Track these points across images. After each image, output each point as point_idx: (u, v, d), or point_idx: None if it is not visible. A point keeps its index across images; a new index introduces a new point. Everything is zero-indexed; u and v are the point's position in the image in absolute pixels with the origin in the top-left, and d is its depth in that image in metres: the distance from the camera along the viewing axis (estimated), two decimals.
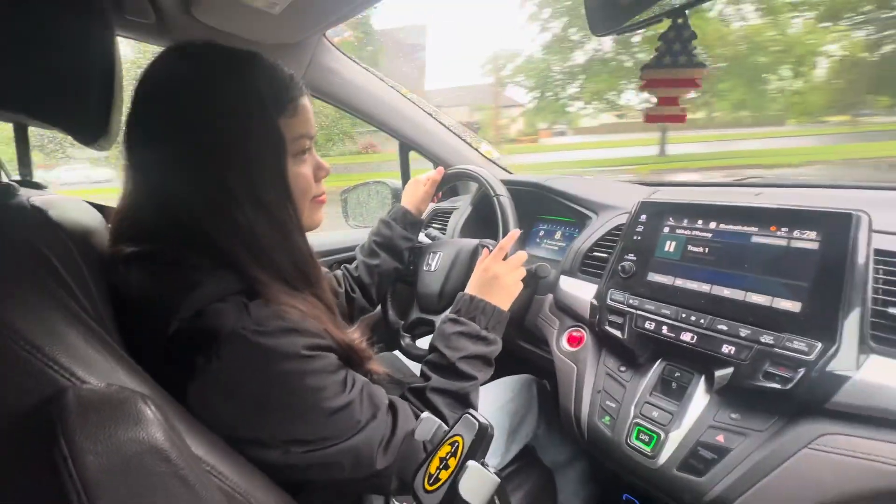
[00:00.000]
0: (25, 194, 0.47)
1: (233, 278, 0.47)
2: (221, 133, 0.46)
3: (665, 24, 0.61)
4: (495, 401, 0.91)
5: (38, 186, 0.63)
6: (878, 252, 0.58)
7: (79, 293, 0.41)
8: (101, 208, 0.65)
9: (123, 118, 0.50)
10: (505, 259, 0.78)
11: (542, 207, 1.16)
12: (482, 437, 0.54)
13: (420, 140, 1.37)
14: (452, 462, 0.53)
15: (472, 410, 0.57)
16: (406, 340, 0.97)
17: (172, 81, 0.47)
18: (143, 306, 0.46)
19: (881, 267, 0.57)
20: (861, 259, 0.55)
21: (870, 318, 0.54)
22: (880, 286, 0.56)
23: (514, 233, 0.83)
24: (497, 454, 0.85)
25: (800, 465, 0.53)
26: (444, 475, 0.53)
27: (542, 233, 1.17)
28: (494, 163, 1.51)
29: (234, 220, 0.47)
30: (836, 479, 0.51)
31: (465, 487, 0.46)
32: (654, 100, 0.61)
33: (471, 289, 0.74)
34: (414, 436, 0.56)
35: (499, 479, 0.46)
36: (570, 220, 1.08)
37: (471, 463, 0.51)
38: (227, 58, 0.49)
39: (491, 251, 0.80)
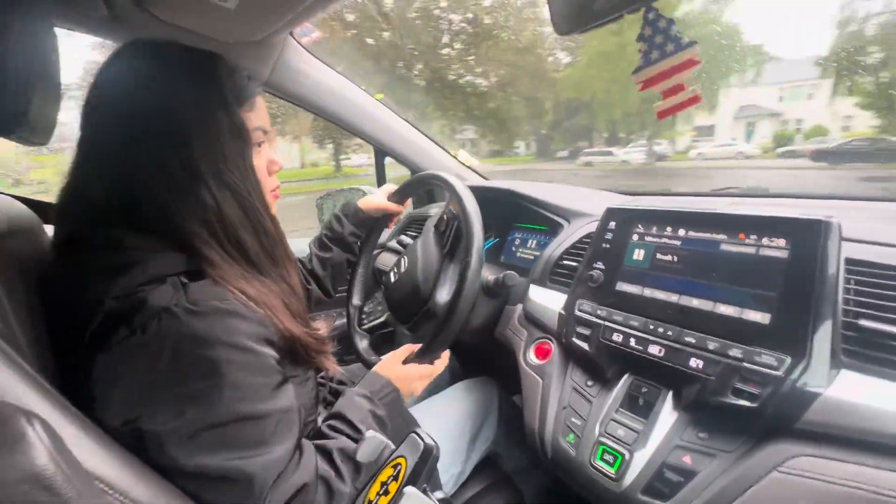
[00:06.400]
0: None
1: (179, 259, 0.46)
2: (186, 122, 0.47)
3: (633, 21, 0.59)
4: (456, 404, 0.89)
5: None
6: (849, 261, 0.55)
7: None
8: (37, 204, 0.62)
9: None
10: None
11: (517, 215, 1.12)
12: (426, 459, 0.50)
13: (395, 146, 1.34)
14: (393, 487, 0.49)
15: (418, 429, 0.53)
16: (363, 344, 0.93)
17: (134, 77, 0.48)
18: (72, 294, 0.44)
19: (853, 277, 0.54)
20: (832, 268, 0.52)
21: (841, 330, 0.51)
22: (851, 297, 0.53)
23: (445, 355, 0.79)
24: (458, 462, 0.81)
25: (768, 489, 0.49)
26: (383, 502, 0.48)
27: (517, 241, 1.14)
28: (473, 169, 1.48)
29: (200, 198, 0.47)
30: None
31: None
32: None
33: (388, 371, 0.69)
34: (357, 457, 0.51)
35: None
36: (544, 228, 1.05)
37: (409, 490, 0.47)
38: (188, 59, 0.51)
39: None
